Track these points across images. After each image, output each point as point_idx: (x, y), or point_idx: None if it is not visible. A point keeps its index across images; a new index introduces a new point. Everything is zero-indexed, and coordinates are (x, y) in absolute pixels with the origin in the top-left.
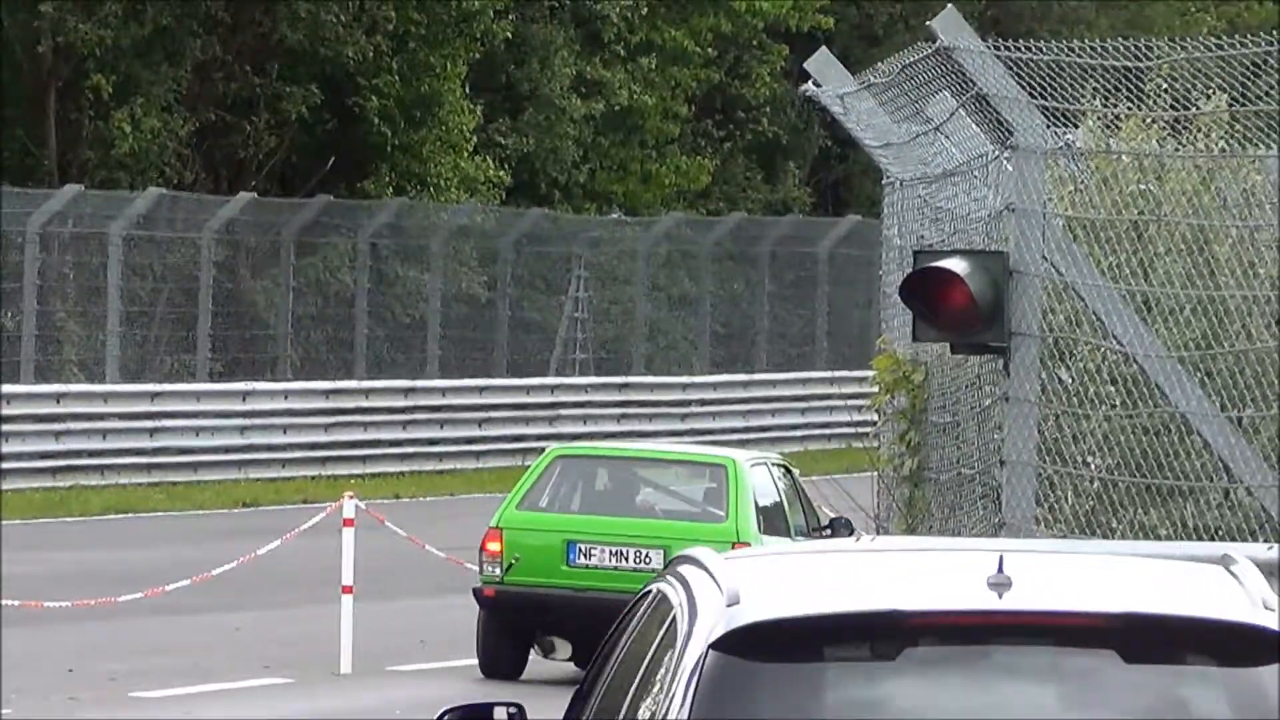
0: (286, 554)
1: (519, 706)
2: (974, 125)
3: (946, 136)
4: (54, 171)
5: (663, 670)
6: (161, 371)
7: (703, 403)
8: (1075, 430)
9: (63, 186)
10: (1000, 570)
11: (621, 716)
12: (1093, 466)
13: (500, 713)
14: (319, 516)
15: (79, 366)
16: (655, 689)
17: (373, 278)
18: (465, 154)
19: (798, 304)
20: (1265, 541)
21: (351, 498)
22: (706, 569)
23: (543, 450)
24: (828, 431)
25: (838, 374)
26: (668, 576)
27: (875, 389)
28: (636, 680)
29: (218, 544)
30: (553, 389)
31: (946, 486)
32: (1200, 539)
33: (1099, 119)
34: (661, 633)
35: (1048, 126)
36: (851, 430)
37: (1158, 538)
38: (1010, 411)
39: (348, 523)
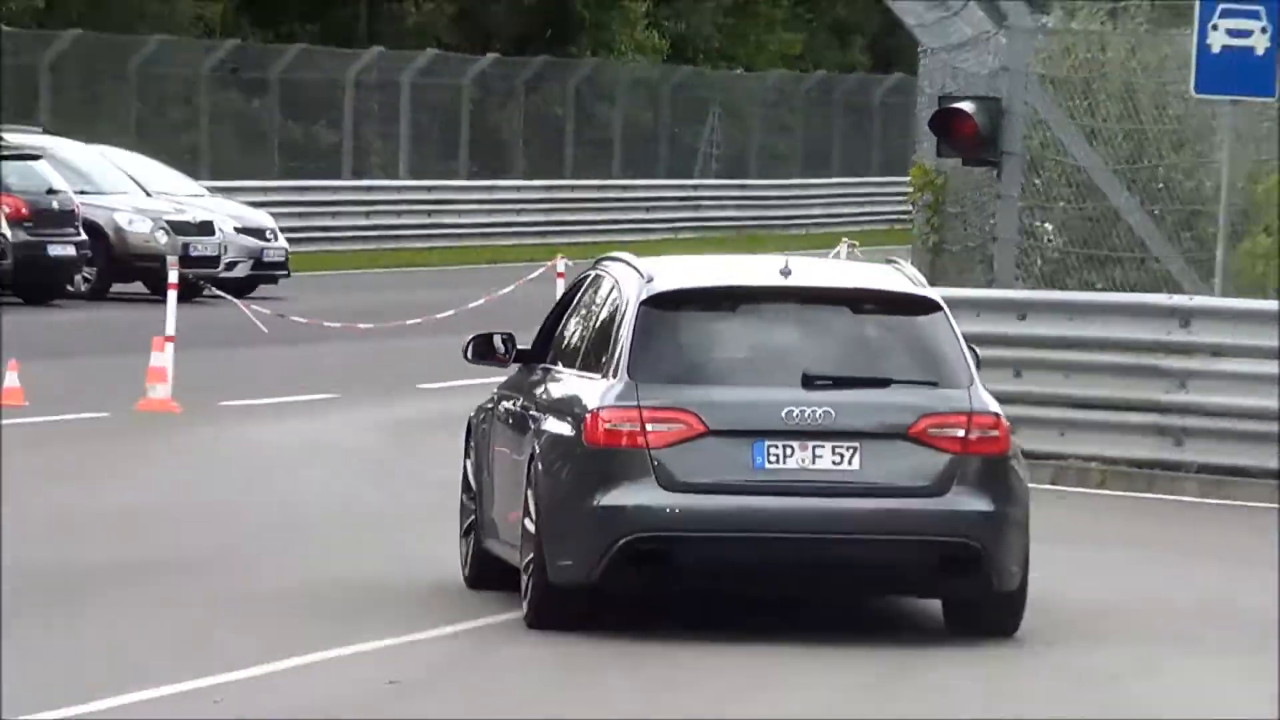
0: (516, 296)
1: (509, 335)
2: (980, 10)
3: (961, 18)
4: (364, 37)
5: (610, 317)
6: (435, 172)
7: (798, 198)
8: (1043, 218)
9: (370, 48)
10: (786, 267)
11: (585, 346)
12: (1054, 242)
13: (497, 340)
14: (539, 270)
15: (380, 169)
16: (609, 327)
17: (578, 112)
18: (639, 28)
19: (861, 133)
20: (1166, 294)
21: (562, 258)
22: (629, 263)
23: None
24: (879, 217)
25: (886, 179)
26: (600, 268)
27: (911, 189)
28: (595, 324)
29: (469, 289)
30: (695, 186)
31: (958, 255)
32: (1126, 291)
33: (1063, 7)
34: (606, 297)
35: (1030, 13)
36: (895, 217)
37: (1096, 289)
38: (1000, 205)
39: (560, 275)
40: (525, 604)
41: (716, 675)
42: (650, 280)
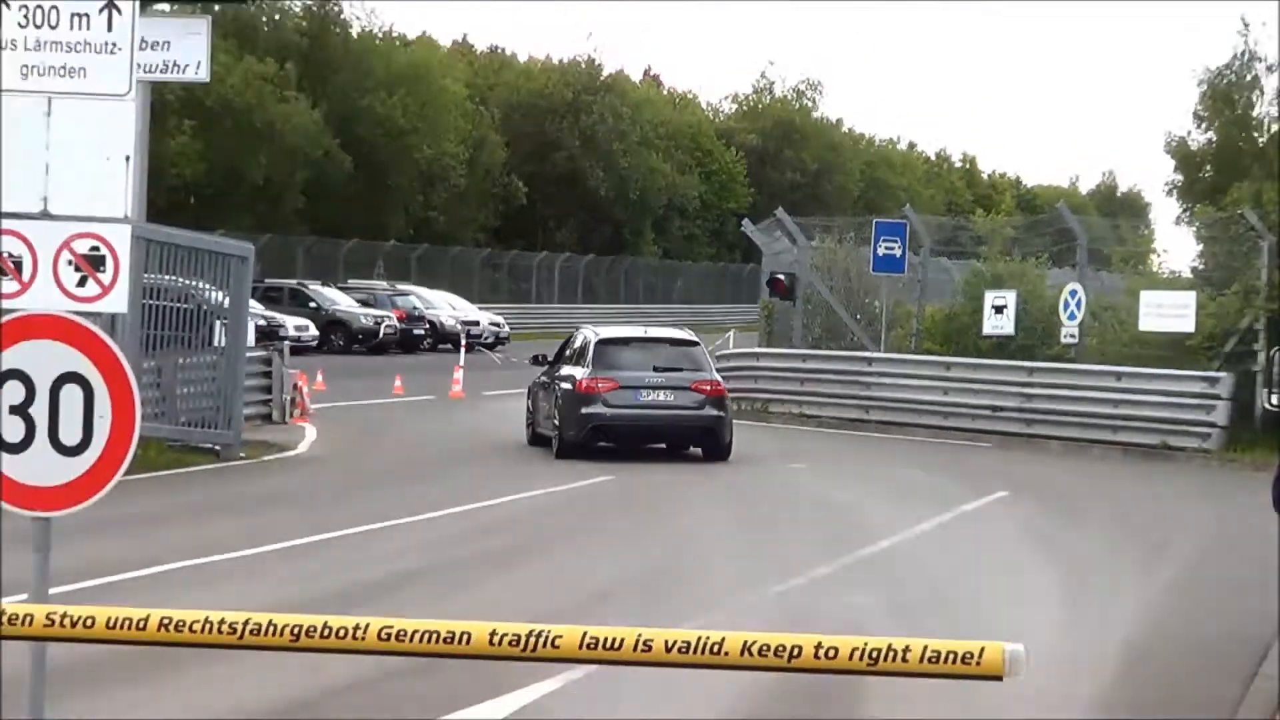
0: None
1: (545, 354)
2: (787, 240)
3: (779, 242)
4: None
5: (585, 346)
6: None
7: (708, 312)
8: (809, 321)
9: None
10: (647, 330)
11: (575, 356)
12: (816, 331)
13: (539, 356)
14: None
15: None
16: (584, 349)
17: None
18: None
19: (739, 286)
20: (864, 351)
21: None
22: (591, 327)
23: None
24: (747, 319)
25: (750, 305)
26: (579, 330)
27: (760, 309)
28: (578, 348)
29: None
30: (642, 307)
31: (778, 334)
32: (846, 350)
33: (820, 236)
34: (583, 338)
35: (808, 241)
36: (752, 320)
37: (832, 349)
38: (794, 316)
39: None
40: (555, 449)
41: (627, 469)
42: (599, 333)
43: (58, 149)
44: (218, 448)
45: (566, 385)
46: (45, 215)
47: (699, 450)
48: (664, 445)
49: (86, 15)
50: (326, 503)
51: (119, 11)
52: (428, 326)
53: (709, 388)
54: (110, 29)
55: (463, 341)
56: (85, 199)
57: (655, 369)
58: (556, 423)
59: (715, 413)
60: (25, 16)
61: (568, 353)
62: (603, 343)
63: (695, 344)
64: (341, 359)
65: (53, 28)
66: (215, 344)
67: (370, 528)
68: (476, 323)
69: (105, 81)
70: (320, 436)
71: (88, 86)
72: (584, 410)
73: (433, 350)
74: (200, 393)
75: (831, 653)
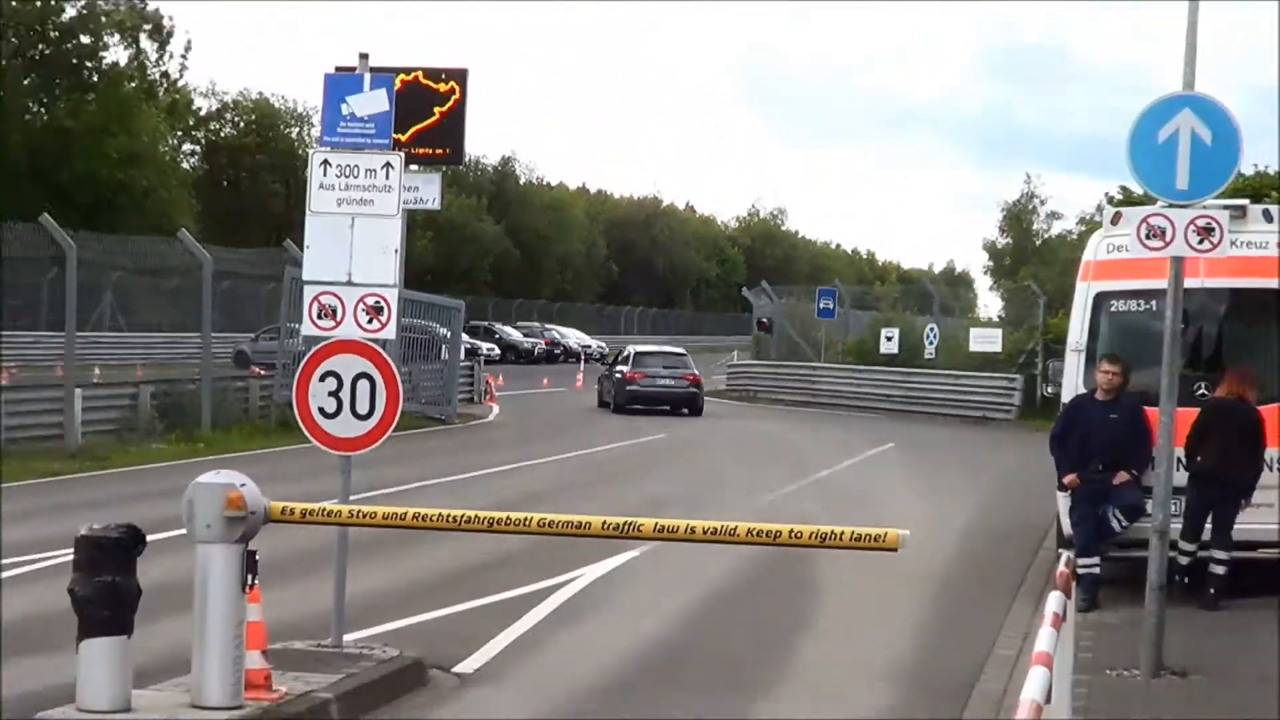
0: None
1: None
2: (769, 303)
3: (760, 301)
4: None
5: (628, 357)
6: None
7: (718, 343)
8: (757, 349)
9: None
10: (661, 347)
11: (619, 362)
12: (779, 351)
13: (610, 361)
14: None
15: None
16: (625, 359)
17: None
18: None
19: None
20: (808, 360)
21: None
22: (633, 346)
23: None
24: (742, 346)
25: (746, 337)
26: (626, 348)
27: (752, 340)
28: (622, 358)
29: None
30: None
31: (770, 356)
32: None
33: (785, 296)
34: (626, 353)
35: (779, 300)
36: (746, 345)
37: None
38: (774, 345)
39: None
40: (611, 408)
41: (673, 431)
42: (635, 348)
43: (357, 246)
44: (443, 416)
45: (618, 375)
46: (349, 283)
47: (685, 410)
48: (667, 407)
49: (374, 169)
50: (505, 447)
51: (392, 168)
52: (562, 348)
53: (692, 378)
54: (387, 178)
55: (581, 356)
56: (372, 274)
57: (664, 367)
58: (612, 394)
59: (694, 391)
60: (340, 171)
61: (620, 358)
62: (638, 353)
63: (684, 354)
64: (512, 367)
65: (355, 177)
66: (441, 358)
67: (532, 461)
68: (589, 346)
69: (383, 208)
70: (500, 411)
71: (374, 211)
72: (627, 388)
73: (564, 362)
74: (433, 385)
75: (797, 535)
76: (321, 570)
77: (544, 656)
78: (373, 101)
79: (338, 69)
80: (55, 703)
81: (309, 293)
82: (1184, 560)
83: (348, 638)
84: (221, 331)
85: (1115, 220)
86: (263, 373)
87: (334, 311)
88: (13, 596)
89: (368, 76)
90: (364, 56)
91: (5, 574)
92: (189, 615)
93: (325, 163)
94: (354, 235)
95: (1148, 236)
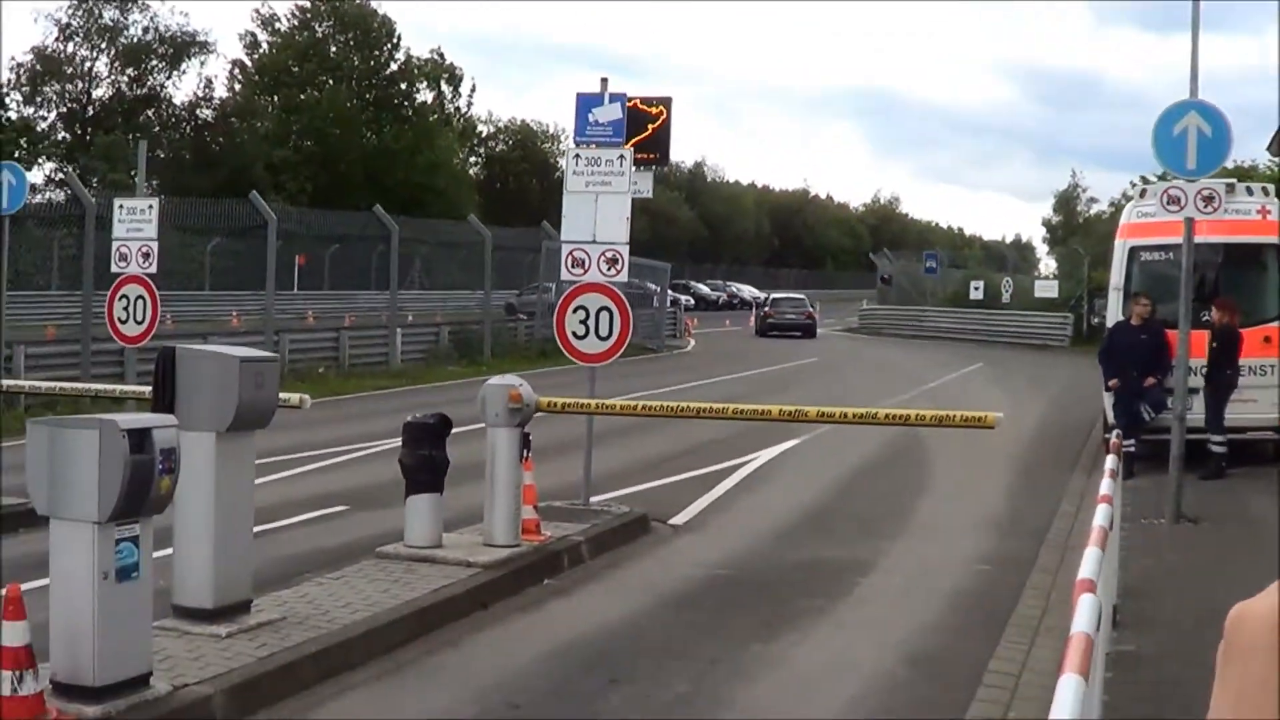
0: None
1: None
2: (886, 262)
3: (881, 265)
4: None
5: (769, 301)
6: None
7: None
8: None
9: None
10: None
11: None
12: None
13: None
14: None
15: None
16: (768, 304)
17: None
18: None
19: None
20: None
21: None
22: (774, 295)
23: None
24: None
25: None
26: (771, 295)
27: (873, 292)
28: (768, 303)
29: None
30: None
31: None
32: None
33: (900, 260)
34: (765, 299)
35: (895, 261)
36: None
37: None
38: (890, 292)
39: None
40: (756, 332)
41: (824, 356)
42: (774, 296)
43: (599, 215)
44: (654, 347)
45: (762, 313)
46: (594, 241)
47: (801, 334)
48: (796, 333)
49: (612, 160)
50: (700, 369)
51: (624, 159)
52: (738, 299)
53: (807, 314)
54: (620, 166)
55: (752, 305)
56: (610, 235)
57: (789, 307)
58: (759, 326)
59: (809, 322)
60: (588, 162)
61: (765, 301)
62: (774, 298)
63: (803, 299)
64: (702, 313)
65: (598, 166)
66: (654, 305)
67: (721, 378)
68: (758, 296)
69: (618, 187)
70: (696, 344)
71: (611, 190)
72: (766, 320)
73: (739, 309)
74: (647, 325)
75: (921, 417)
76: (573, 453)
77: (732, 513)
78: (610, 113)
79: (580, 94)
80: (390, 542)
81: (564, 249)
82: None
83: (593, 499)
84: (496, 289)
85: (1143, 194)
86: (525, 318)
87: (583, 262)
88: (358, 469)
89: (607, 95)
90: (604, 81)
91: (352, 456)
92: (481, 482)
93: (577, 156)
94: (597, 208)
95: (1168, 203)
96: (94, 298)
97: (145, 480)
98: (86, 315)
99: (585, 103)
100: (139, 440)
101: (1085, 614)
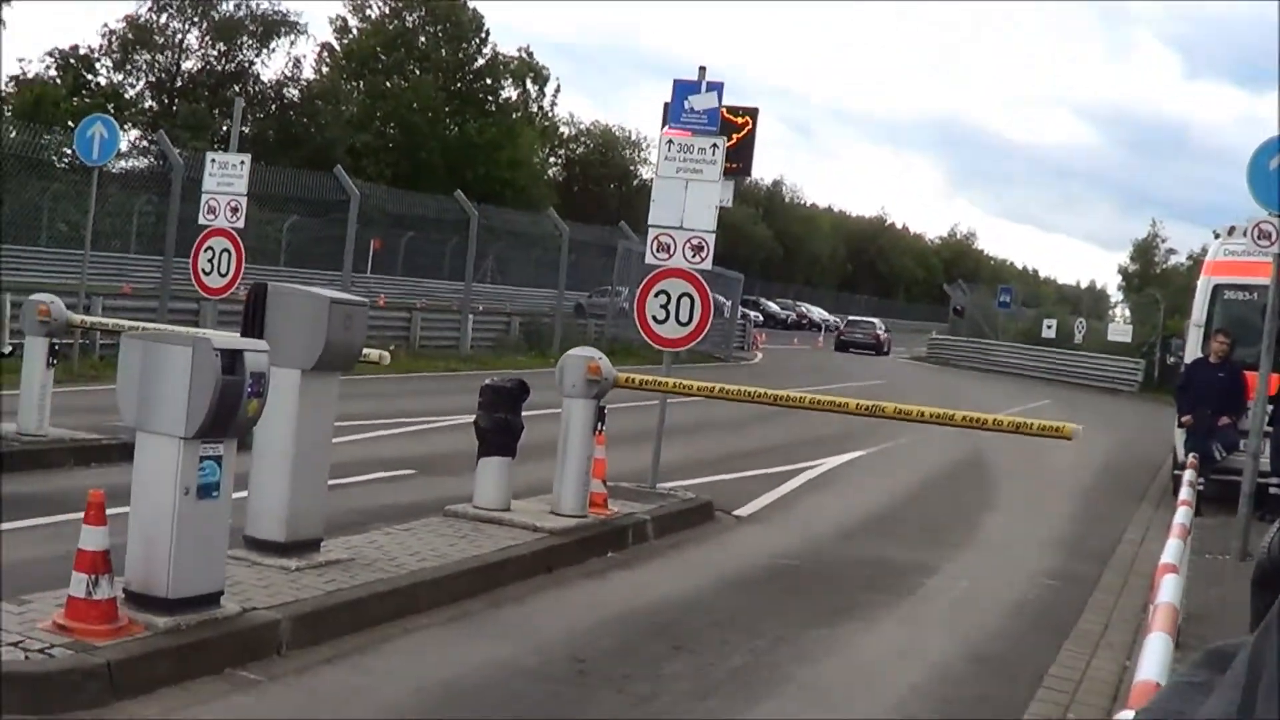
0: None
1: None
2: (960, 293)
3: (957, 297)
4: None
5: (846, 325)
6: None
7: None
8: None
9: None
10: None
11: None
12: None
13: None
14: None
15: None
16: (845, 327)
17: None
18: None
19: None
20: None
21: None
22: (852, 319)
23: None
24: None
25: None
26: (848, 318)
27: (948, 322)
28: (845, 329)
29: None
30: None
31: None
32: None
33: (973, 292)
34: (843, 324)
35: (969, 293)
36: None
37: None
38: (963, 324)
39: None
40: (834, 347)
41: (897, 369)
42: (850, 319)
43: (688, 202)
44: (722, 356)
45: (839, 331)
46: (680, 227)
47: (873, 351)
48: (868, 350)
49: (704, 148)
50: (766, 380)
51: (717, 148)
52: (807, 319)
53: (875, 335)
54: (713, 155)
55: (821, 327)
56: (697, 222)
57: (859, 329)
58: (836, 342)
59: (877, 342)
60: (680, 148)
61: (844, 323)
62: (849, 320)
63: (874, 322)
64: (770, 330)
65: (690, 153)
66: (724, 315)
67: (788, 390)
68: (827, 319)
69: (709, 175)
70: (763, 357)
71: (702, 177)
72: (841, 338)
73: (808, 329)
74: (716, 334)
75: (999, 422)
76: (643, 443)
77: (797, 511)
78: (706, 100)
79: (678, 80)
80: (459, 502)
81: (651, 233)
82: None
83: (660, 485)
84: (568, 289)
85: (1230, 232)
86: (595, 319)
87: (668, 247)
88: (427, 439)
89: (705, 83)
90: (702, 69)
91: (421, 427)
92: (548, 459)
93: (670, 142)
94: (686, 195)
95: (1258, 237)
96: (174, 260)
97: (234, 401)
98: (166, 272)
99: (682, 89)
100: (231, 361)
101: (1169, 589)
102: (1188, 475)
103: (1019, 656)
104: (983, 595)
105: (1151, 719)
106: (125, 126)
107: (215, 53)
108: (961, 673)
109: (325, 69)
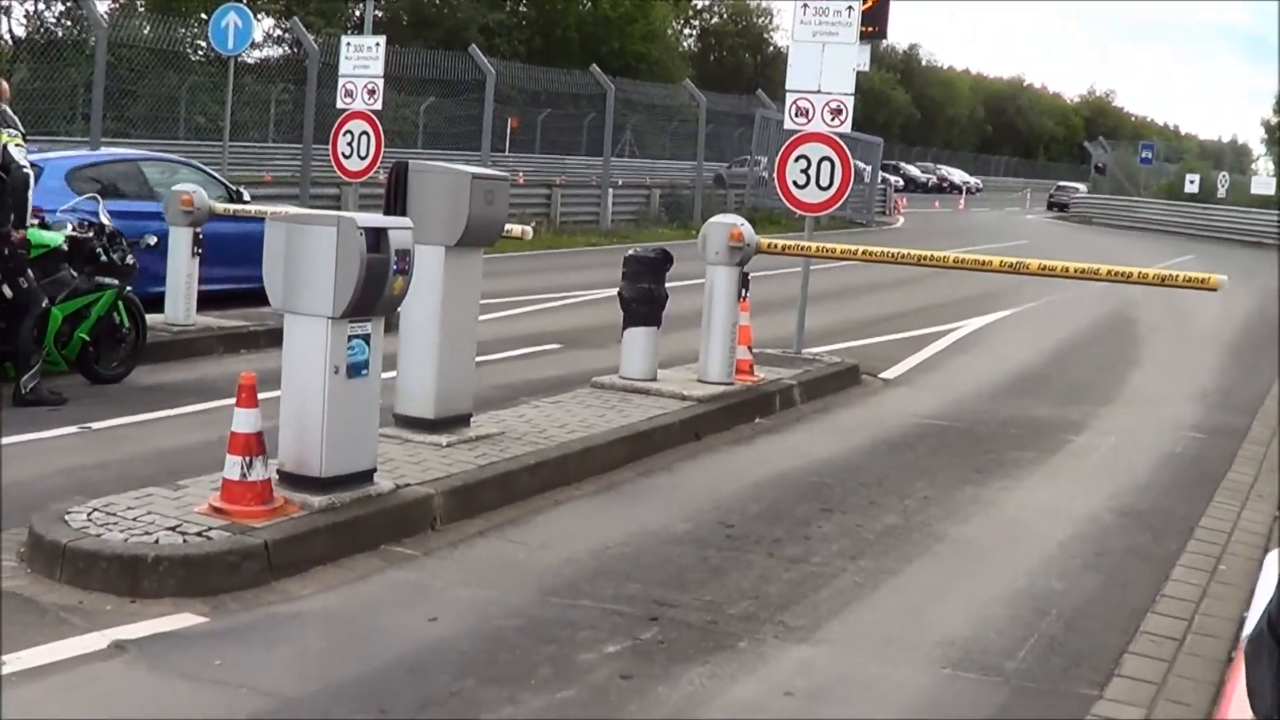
0: None
1: None
2: (1102, 151)
3: (1097, 154)
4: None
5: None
6: None
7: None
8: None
9: None
10: None
11: None
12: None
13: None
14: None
15: None
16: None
17: None
18: None
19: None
20: None
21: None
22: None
23: None
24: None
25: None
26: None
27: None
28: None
29: None
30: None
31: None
32: None
33: (1114, 149)
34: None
35: (1110, 150)
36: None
37: None
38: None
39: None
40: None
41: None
42: (972, 178)
43: (825, 65)
44: (863, 221)
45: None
46: (818, 91)
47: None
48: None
49: (840, 10)
50: (909, 243)
51: (853, 9)
52: (947, 182)
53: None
54: (849, 16)
55: (962, 189)
56: (835, 85)
57: (1067, 194)
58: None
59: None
60: (816, 11)
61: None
62: (1058, 187)
63: (1079, 187)
64: (910, 194)
65: (825, 16)
66: (865, 181)
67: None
68: (967, 181)
69: (845, 37)
70: (905, 221)
71: (839, 40)
72: (1051, 200)
73: (948, 192)
74: (856, 199)
75: (1144, 275)
76: (786, 311)
77: (943, 372)
78: None
79: None
80: (606, 374)
81: (789, 98)
82: None
83: (805, 351)
84: (706, 161)
85: None
86: (734, 189)
87: (807, 112)
88: (572, 313)
89: None
90: None
91: (564, 303)
92: (696, 327)
93: (805, 6)
94: (823, 58)
95: None
96: (313, 147)
97: (380, 279)
98: (306, 159)
99: None
100: (375, 239)
101: None
102: None
103: (1168, 509)
104: (1130, 450)
105: None
106: (259, 16)
107: None
108: (1110, 526)
109: None
